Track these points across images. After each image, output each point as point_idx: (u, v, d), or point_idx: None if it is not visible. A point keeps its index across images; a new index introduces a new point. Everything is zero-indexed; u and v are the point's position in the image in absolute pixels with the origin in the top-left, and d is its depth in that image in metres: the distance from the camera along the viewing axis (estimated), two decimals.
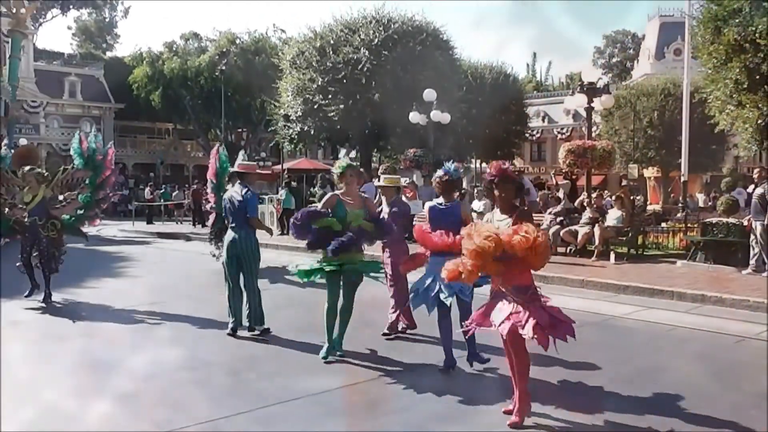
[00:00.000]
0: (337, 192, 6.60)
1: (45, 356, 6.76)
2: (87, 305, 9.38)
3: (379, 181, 8.06)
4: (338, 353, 6.45)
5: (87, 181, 9.80)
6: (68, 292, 9.89)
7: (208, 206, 12.79)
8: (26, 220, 9.25)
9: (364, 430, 4.85)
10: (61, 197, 9.64)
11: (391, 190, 7.49)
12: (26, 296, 9.36)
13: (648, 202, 25.36)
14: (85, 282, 11.19)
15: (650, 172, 31.74)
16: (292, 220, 6.74)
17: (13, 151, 11.60)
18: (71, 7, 62.59)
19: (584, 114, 18.04)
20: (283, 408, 5.07)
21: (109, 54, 58.73)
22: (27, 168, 9.46)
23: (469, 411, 5.06)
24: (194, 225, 24.58)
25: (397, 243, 7.24)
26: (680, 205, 19.08)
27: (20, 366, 6.38)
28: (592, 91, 15.91)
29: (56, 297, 9.40)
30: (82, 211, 9.88)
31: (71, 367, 6.30)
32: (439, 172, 6.28)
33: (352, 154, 33.79)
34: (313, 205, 7.64)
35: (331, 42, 22.94)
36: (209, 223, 13.01)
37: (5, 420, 4.74)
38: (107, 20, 67.09)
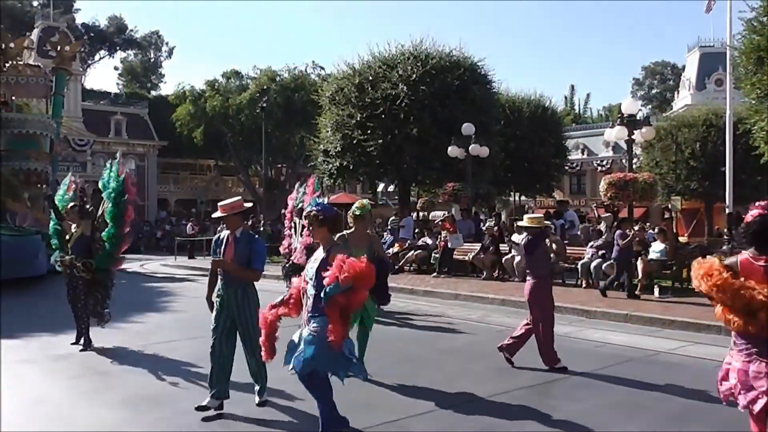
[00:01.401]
0: (345, 233, 6.95)
1: (84, 391, 6.85)
2: (126, 345, 9.47)
3: (522, 221, 8.34)
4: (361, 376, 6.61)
5: (106, 215, 8.72)
6: (113, 327, 10.04)
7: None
8: (66, 258, 8.81)
9: None
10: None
11: (535, 230, 7.81)
12: (72, 343, 8.95)
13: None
14: (129, 317, 11.36)
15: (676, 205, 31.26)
16: None
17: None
18: (118, 48, 64.94)
19: (624, 146, 17.89)
20: None
21: (153, 93, 60.40)
22: (71, 204, 9.30)
23: None
24: None
25: (541, 279, 7.66)
26: (725, 237, 18.64)
27: (58, 400, 6.48)
28: (632, 123, 15.78)
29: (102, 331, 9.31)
30: (106, 250, 8.71)
31: (114, 402, 6.36)
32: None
33: (391, 188, 34.06)
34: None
35: (370, 78, 23.18)
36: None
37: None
38: (152, 61, 69.12)
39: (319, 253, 4.89)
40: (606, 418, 5.70)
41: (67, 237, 8.98)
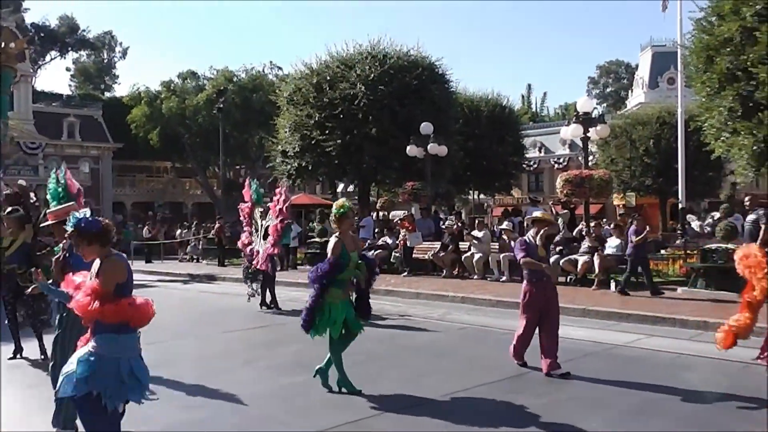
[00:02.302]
0: (338, 236, 6.52)
1: (40, 400, 6.69)
2: None
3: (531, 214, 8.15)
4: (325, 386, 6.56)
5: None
6: None
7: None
8: (5, 267, 8.18)
9: None
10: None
11: (545, 222, 7.65)
12: (9, 359, 8.41)
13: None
14: None
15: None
16: (317, 276, 6.38)
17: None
18: (70, 49, 63.52)
19: (580, 144, 18.17)
20: None
21: (107, 94, 59.29)
22: (8, 210, 8.52)
23: None
24: (220, 264, 24.16)
25: (529, 282, 7.38)
26: (679, 232, 19.09)
27: (14, 409, 6.33)
28: (587, 121, 16.04)
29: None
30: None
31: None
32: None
33: (350, 188, 33.95)
34: (326, 261, 6.50)
35: (328, 78, 23.09)
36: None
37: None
38: (105, 61, 67.85)
39: (95, 266, 4.41)
40: (567, 412, 5.78)
41: (5, 244, 8.29)
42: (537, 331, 7.34)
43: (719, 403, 5.99)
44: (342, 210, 6.58)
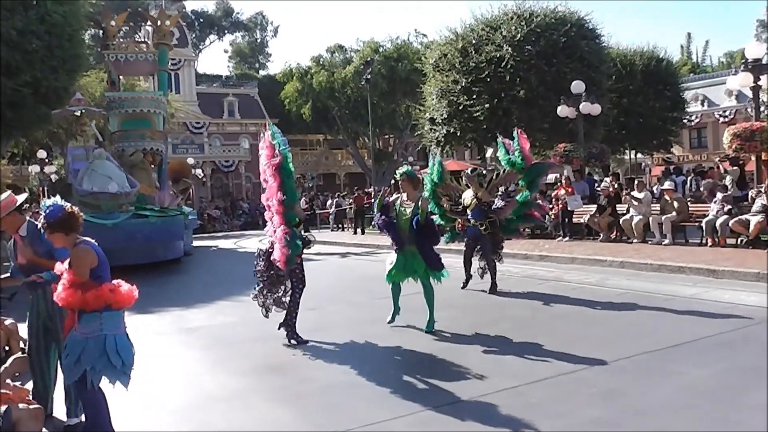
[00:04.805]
0: (396, 196, 8.21)
1: (213, 360, 7.19)
2: (247, 317, 9.81)
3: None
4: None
5: (521, 183, 10.60)
6: (234, 300, 10.46)
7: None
8: (470, 221, 10.33)
9: None
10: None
11: None
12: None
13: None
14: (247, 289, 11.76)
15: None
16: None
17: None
18: (226, 31, 67.10)
19: (749, 94, 16.82)
20: (439, 413, 5.06)
21: (261, 72, 62.09)
22: (470, 169, 10.96)
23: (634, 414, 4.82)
24: (356, 232, 24.90)
25: None
26: None
27: (190, 368, 6.83)
28: (757, 68, 14.86)
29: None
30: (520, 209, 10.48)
31: (241, 370, 6.65)
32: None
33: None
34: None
35: (473, 42, 22.79)
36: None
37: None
38: (258, 41, 70.98)
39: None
40: (736, 382, 5.40)
41: (466, 203, 10.51)
42: None
43: None
44: (401, 175, 7.99)
